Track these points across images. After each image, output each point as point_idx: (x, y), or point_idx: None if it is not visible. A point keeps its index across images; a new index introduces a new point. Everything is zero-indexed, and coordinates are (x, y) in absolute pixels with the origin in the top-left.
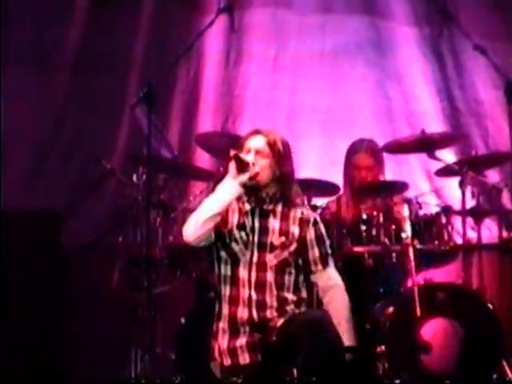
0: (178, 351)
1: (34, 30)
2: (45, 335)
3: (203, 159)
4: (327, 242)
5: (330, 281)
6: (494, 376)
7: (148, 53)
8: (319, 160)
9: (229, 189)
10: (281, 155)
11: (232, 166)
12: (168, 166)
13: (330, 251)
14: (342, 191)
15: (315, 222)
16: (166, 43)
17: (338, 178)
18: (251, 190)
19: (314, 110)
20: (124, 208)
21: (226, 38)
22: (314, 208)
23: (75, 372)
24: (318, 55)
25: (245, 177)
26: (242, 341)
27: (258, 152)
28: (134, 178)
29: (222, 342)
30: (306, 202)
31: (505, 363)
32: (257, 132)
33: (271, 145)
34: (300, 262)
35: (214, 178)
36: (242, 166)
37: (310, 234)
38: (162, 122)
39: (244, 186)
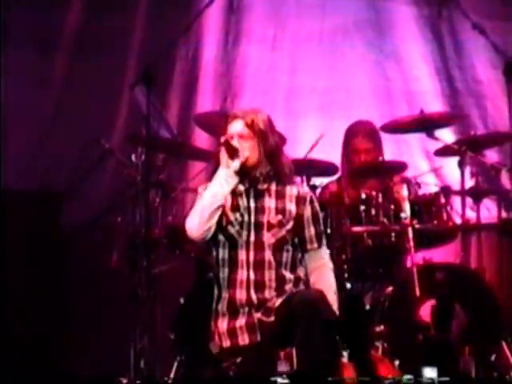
0: (177, 331)
1: (34, 12)
2: (42, 315)
3: (202, 139)
4: (321, 221)
5: (321, 260)
6: (493, 356)
7: (147, 33)
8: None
9: (225, 179)
10: (262, 133)
11: (223, 154)
12: (167, 145)
13: (323, 231)
14: (340, 173)
15: (311, 200)
16: (164, 23)
17: (336, 157)
18: (244, 172)
19: (312, 90)
20: (123, 188)
21: (224, 18)
22: (313, 188)
23: (72, 355)
24: (317, 35)
25: (237, 163)
26: (241, 322)
27: (240, 136)
28: (133, 158)
29: (222, 324)
30: (299, 180)
31: (504, 344)
32: (234, 116)
33: (250, 125)
34: (296, 240)
35: (213, 159)
36: (233, 153)
37: (307, 211)
38: (161, 102)
39: (238, 172)
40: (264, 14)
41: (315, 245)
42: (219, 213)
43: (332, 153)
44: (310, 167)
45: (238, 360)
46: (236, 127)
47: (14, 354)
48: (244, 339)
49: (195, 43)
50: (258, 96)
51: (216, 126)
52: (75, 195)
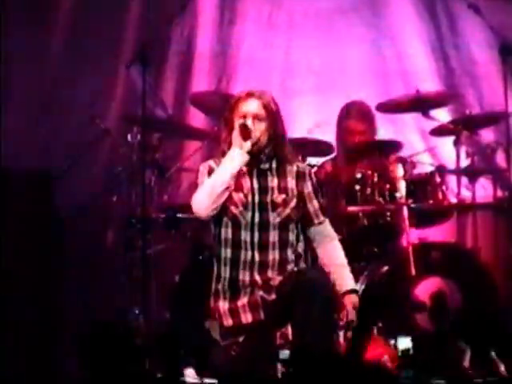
0: (173, 310)
1: None
2: (38, 296)
3: (197, 118)
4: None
5: (330, 233)
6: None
7: (143, 13)
8: (313, 119)
9: (237, 159)
10: (275, 116)
11: (236, 135)
12: (162, 125)
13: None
14: (335, 153)
15: (310, 175)
16: (160, 3)
17: (332, 137)
18: (252, 153)
19: (308, 69)
20: (119, 168)
21: None
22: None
23: (69, 334)
24: (313, 14)
25: (249, 144)
26: (243, 301)
27: (255, 116)
28: (129, 137)
29: (223, 303)
30: (299, 158)
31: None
32: (250, 95)
33: (266, 107)
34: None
35: (208, 138)
36: (246, 134)
37: (308, 187)
38: (157, 82)
39: (248, 152)
40: None
41: (321, 218)
42: (228, 192)
43: (328, 132)
44: (305, 146)
45: (241, 339)
46: (252, 107)
47: (13, 333)
48: (247, 318)
49: (191, 23)
50: (253, 75)
51: (211, 105)
52: (71, 176)
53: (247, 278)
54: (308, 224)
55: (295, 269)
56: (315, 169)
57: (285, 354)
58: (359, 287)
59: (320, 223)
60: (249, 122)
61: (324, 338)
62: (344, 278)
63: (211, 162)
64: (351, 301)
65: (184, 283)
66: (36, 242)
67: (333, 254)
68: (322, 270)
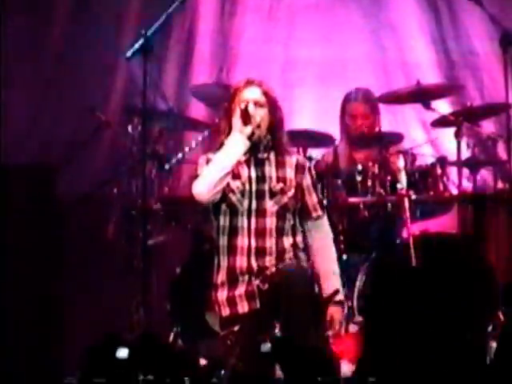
0: (173, 301)
1: None
2: (39, 288)
3: (198, 110)
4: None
5: (325, 229)
6: (490, 327)
7: (144, 3)
8: (314, 111)
9: (238, 144)
10: (274, 103)
11: (237, 120)
12: (163, 117)
13: (322, 199)
14: (338, 141)
15: (310, 169)
16: None
17: (332, 129)
18: (251, 140)
19: (308, 60)
20: (119, 160)
21: None
22: (309, 159)
23: (69, 327)
24: (314, 5)
25: (249, 129)
26: (240, 290)
27: (256, 103)
28: (129, 129)
29: (221, 293)
30: (297, 150)
31: (501, 314)
32: (250, 82)
33: (266, 94)
34: (297, 208)
35: (209, 129)
36: (247, 119)
37: (307, 180)
38: (158, 73)
39: (249, 138)
40: None
41: (320, 212)
42: (229, 177)
43: (328, 124)
44: (305, 138)
45: (236, 328)
46: (253, 93)
47: (13, 326)
48: (243, 307)
49: (191, 14)
50: (253, 66)
51: (212, 97)
52: (71, 167)
53: (244, 265)
54: (306, 217)
55: (293, 260)
56: (314, 161)
57: (266, 347)
58: (360, 279)
59: (318, 217)
60: (250, 107)
61: (307, 334)
62: (329, 286)
63: (210, 155)
64: (331, 313)
65: (185, 275)
66: (36, 234)
67: (323, 259)
68: (304, 269)
